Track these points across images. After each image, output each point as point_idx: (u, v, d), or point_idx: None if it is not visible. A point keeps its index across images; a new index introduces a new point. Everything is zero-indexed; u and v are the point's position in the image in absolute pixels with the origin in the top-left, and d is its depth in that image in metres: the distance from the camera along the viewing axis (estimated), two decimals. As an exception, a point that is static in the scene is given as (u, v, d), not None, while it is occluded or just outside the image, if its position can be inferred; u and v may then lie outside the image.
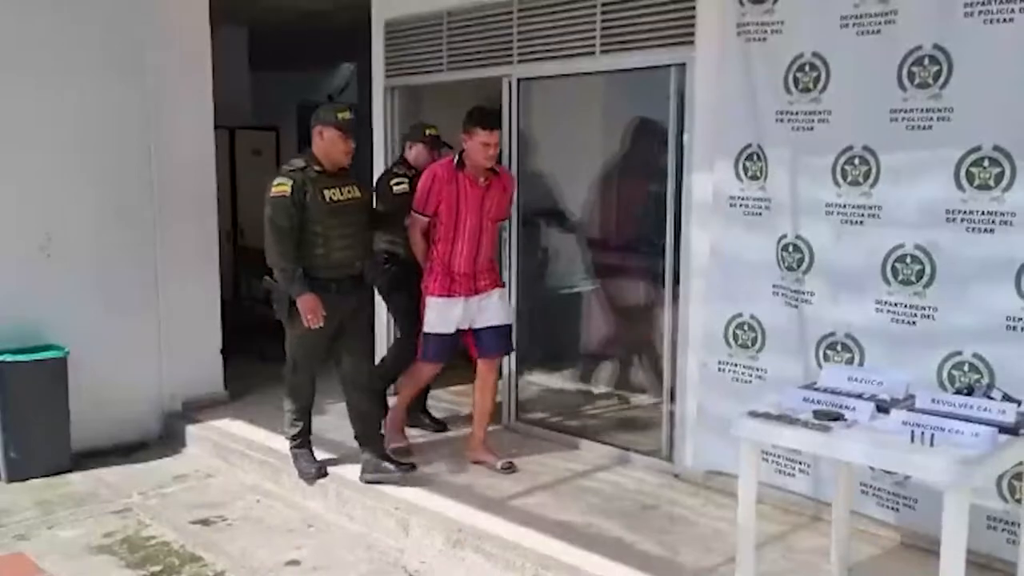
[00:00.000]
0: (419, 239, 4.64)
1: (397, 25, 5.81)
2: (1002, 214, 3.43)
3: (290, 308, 4.34)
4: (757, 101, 4.07)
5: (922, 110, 3.60)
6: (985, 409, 2.91)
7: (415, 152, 5.11)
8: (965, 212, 3.51)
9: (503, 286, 4.75)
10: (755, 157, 4.11)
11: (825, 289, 3.90)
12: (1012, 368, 3.40)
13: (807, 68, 3.91)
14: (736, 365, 4.24)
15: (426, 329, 4.62)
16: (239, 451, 5.18)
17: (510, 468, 4.67)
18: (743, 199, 4.15)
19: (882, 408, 3.03)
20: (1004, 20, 3.39)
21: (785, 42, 3.97)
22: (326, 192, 4.33)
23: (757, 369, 4.18)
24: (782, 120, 3.99)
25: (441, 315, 4.57)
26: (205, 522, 4.45)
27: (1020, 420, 2.87)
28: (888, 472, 3.70)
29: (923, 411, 2.94)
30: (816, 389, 3.21)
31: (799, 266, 3.97)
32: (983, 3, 3.42)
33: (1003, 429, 2.81)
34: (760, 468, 4.09)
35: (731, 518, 4.04)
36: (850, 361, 3.82)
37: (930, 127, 3.58)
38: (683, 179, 4.42)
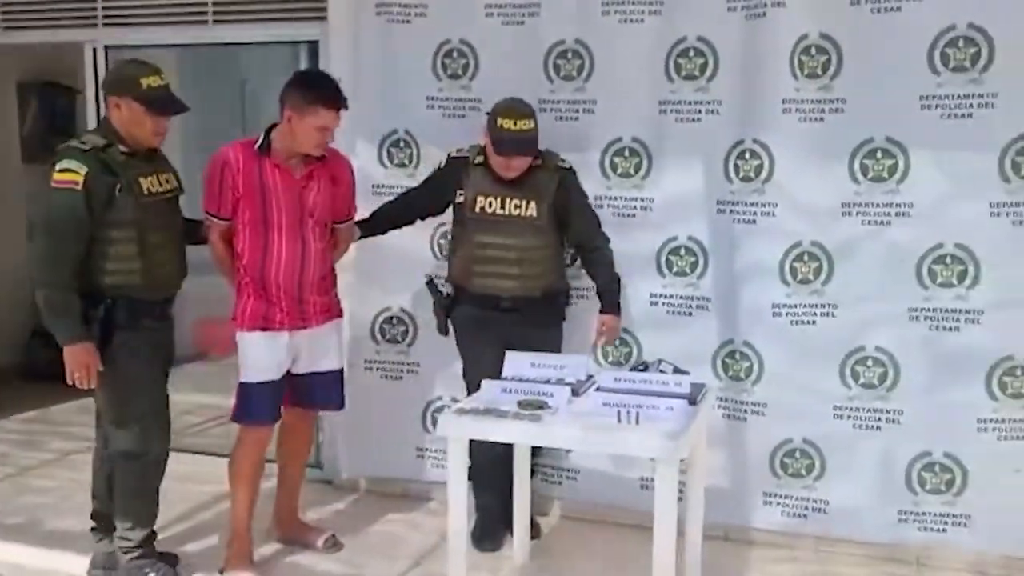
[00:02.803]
0: (221, 248, 3.39)
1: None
2: (763, 205, 3.59)
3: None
4: (404, 85, 3.93)
5: (568, 102, 3.77)
6: (664, 383, 3.12)
7: None
8: (733, 203, 3.64)
9: (341, 316, 3.58)
10: (402, 144, 3.97)
11: None
12: (777, 350, 3.60)
13: (455, 54, 3.86)
14: (384, 362, 4.10)
15: (243, 378, 3.35)
16: None
17: (334, 545, 3.65)
18: (390, 187, 3.98)
19: (574, 391, 3.11)
20: (636, 21, 3.67)
21: (431, 27, 3.88)
22: (142, 182, 3.13)
23: (409, 364, 4.08)
24: (433, 107, 3.90)
25: (260, 356, 3.33)
26: None
27: (694, 390, 3.14)
28: (550, 449, 3.83)
29: (612, 390, 3.07)
30: (506, 378, 3.19)
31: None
32: (619, 3, 3.67)
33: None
34: (415, 467, 4.10)
35: (403, 521, 3.95)
36: (629, 356, 3.82)
37: (576, 118, 3.75)
38: (319, 165, 4.11)
